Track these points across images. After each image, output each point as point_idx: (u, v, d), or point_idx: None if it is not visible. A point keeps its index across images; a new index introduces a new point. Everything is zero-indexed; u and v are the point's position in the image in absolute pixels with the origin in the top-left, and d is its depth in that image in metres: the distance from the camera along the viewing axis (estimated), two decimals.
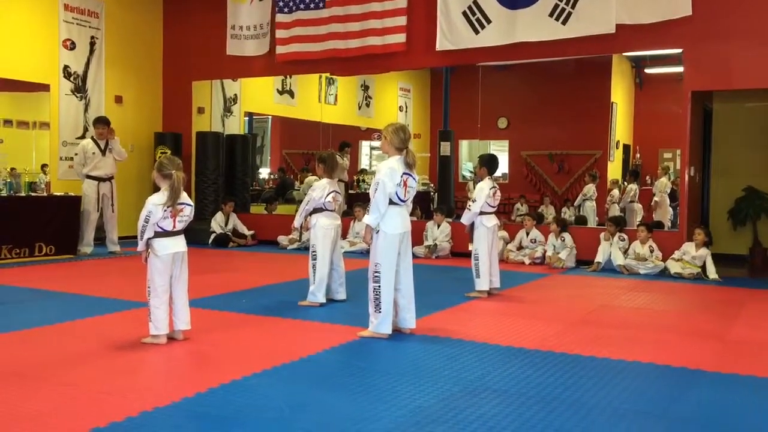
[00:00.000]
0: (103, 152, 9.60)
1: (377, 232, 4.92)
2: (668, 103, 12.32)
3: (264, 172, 15.53)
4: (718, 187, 10.34)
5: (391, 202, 4.91)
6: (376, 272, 4.90)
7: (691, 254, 8.22)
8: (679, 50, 8.73)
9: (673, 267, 8.20)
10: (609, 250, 8.67)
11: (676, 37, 8.43)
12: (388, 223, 4.91)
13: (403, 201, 4.99)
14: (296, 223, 6.45)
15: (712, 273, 8.06)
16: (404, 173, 4.93)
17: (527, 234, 9.43)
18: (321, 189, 6.18)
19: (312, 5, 10.40)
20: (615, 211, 11.94)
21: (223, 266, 8.68)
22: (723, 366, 4.36)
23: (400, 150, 4.97)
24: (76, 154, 9.73)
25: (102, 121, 9.73)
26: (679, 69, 9.01)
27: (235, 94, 13.00)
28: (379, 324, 4.91)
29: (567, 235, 9.00)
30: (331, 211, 6.21)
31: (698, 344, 5.02)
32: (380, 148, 5.28)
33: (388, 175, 4.88)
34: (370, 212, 4.92)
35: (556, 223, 9.17)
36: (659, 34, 8.44)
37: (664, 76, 13.92)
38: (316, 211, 6.18)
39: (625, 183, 13.06)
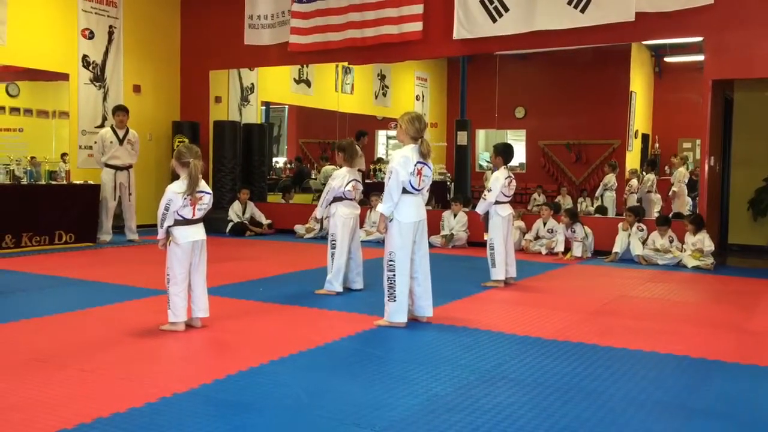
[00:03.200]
0: (121, 141, 9.67)
1: (391, 220, 4.92)
2: (688, 92, 12.19)
3: (281, 161, 15.57)
4: (738, 177, 10.22)
5: (405, 191, 4.91)
6: (390, 261, 4.91)
7: (691, 242, 8.19)
8: (700, 38, 8.62)
9: (690, 262, 8.12)
10: (627, 240, 8.61)
11: (697, 25, 8.32)
12: (402, 211, 4.91)
13: (418, 190, 4.98)
14: (318, 214, 6.46)
15: (707, 246, 8.11)
16: (418, 162, 4.92)
17: (544, 224, 9.39)
18: (341, 178, 6.18)
19: None
20: (633, 201, 11.85)
21: (241, 255, 8.73)
22: (742, 357, 4.33)
23: (415, 139, 4.96)
24: (95, 143, 9.82)
25: (121, 109, 9.80)
26: (700, 58, 8.90)
27: (252, 84, 13.02)
28: (394, 313, 4.91)
29: (578, 227, 8.91)
30: (351, 200, 6.21)
31: (717, 335, 4.98)
32: (396, 137, 5.26)
33: (401, 163, 4.87)
34: (383, 201, 4.92)
35: (567, 214, 9.08)
36: (680, 23, 8.33)
37: (684, 65, 13.75)
38: (336, 200, 6.18)
39: (643, 173, 12.95)
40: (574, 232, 8.88)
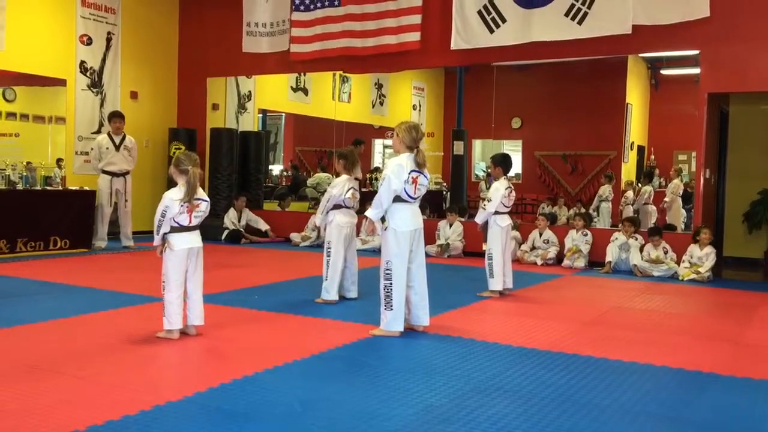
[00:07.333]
0: (117, 148, 9.65)
1: (386, 229, 4.92)
2: (684, 104, 12.27)
3: (277, 169, 15.57)
4: (734, 189, 10.26)
5: (401, 200, 4.92)
6: (387, 270, 4.90)
7: (697, 255, 8.18)
8: (696, 51, 8.67)
9: (686, 275, 8.10)
10: (617, 250, 8.64)
11: (693, 38, 8.36)
12: (399, 220, 4.91)
13: (413, 198, 4.98)
14: (318, 221, 6.44)
15: (705, 269, 8.03)
16: (413, 171, 4.92)
17: (540, 234, 9.40)
18: (340, 186, 6.19)
19: (328, 3, 10.39)
20: (629, 212, 11.89)
21: (236, 262, 8.71)
22: (737, 370, 4.33)
23: (411, 148, 4.98)
24: (92, 149, 9.81)
25: (117, 116, 9.80)
26: (696, 70, 8.94)
27: (250, 91, 13.03)
28: (391, 321, 4.91)
29: (590, 233, 9.11)
30: (349, 208, 6.22)
31: (712, 347, 4.99)
32: (392, 146, 5.28)
33: (395, 172, 4.88)
34: (373, 206, 4.94)
35: (583, 218, 9.24)
36: (676, 35, 8.38)
37: (680, 77, 13.84)
38: (334, 207, 6.19)
39: (639, 184, 12.99)
40: (586, 235, 9.01)
